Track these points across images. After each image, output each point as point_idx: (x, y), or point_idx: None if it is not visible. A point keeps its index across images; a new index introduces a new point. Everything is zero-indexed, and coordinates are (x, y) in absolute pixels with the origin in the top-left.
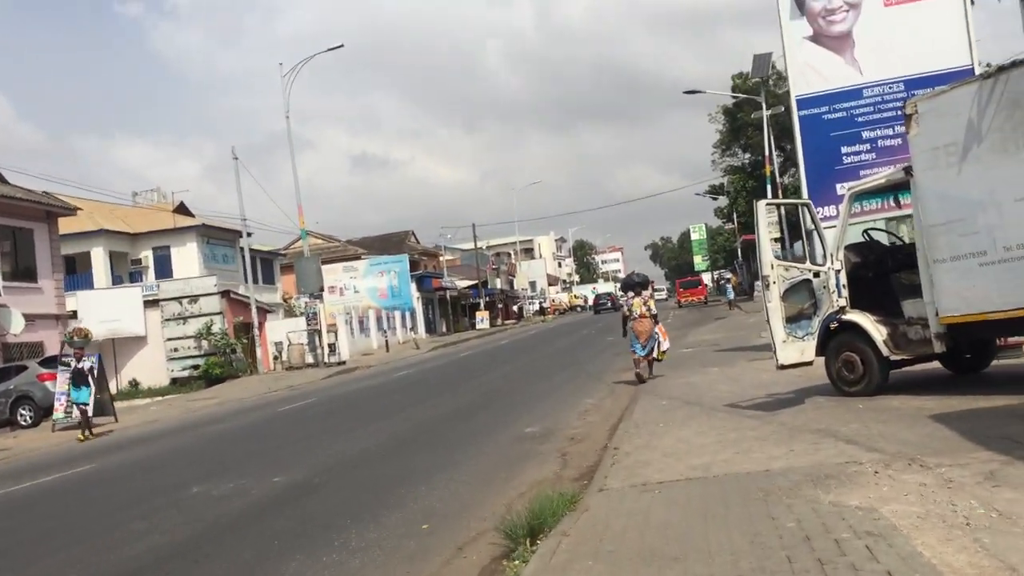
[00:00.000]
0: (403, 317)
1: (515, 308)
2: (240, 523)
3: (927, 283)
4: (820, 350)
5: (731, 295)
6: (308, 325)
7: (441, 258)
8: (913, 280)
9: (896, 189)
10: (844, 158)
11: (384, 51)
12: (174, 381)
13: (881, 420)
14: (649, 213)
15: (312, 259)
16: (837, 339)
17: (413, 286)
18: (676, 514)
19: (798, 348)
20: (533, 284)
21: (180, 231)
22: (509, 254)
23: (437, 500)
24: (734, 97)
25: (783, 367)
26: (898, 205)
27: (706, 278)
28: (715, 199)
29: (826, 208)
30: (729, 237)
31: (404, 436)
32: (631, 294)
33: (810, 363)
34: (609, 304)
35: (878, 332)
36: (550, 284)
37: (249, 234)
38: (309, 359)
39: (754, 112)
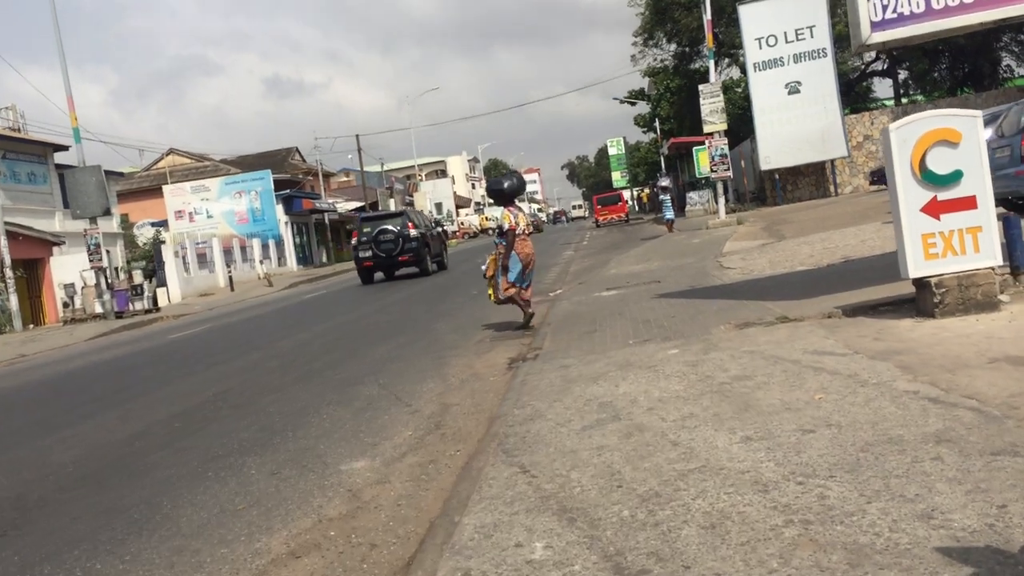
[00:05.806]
0: (269, 247)
1: None
2: None
3: None
4: None
5: (670, 213)
6: (91, 263)
7: (331, 177)
8: None
9: None
10: None
11: None
12: None
13: None
14: (567, 132)
15: (89, 170)
16: None
17: (280, 208)
18: None
19: None
20: (439, 206)
21: None
22: (420, 176)
23: None
24: None
25: None
26: None
27: (627, 196)
28: (633, 104)
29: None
30: (651, 148)
31: None
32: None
33: None
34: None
35: None
36: (460, 206)
37: (66, 148)
38: (99, 308)
39: None
